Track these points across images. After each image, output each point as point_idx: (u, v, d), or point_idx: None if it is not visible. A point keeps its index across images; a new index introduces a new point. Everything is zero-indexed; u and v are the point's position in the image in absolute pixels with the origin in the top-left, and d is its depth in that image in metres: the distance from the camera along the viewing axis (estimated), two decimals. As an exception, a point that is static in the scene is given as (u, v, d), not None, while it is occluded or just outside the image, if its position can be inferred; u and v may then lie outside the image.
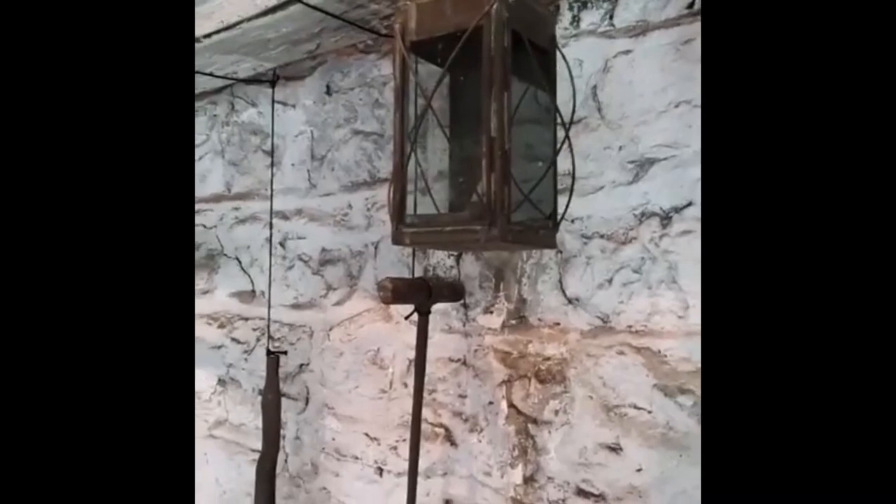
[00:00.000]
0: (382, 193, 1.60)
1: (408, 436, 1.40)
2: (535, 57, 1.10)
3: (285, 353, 1.77)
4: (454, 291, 1.45)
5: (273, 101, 1.85)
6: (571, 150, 1.15)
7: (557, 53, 1.15)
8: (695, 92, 1.13)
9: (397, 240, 1.14)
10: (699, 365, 1.12)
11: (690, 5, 1.13)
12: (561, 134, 1.16)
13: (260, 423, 1.75)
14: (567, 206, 1.15)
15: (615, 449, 1.21)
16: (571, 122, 1.16)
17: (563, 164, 1.24)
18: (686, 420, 1.13)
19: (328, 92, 1.75)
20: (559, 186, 1.25)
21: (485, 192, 1.05)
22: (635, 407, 1.19)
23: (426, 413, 1.47)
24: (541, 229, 1.20)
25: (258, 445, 1.71)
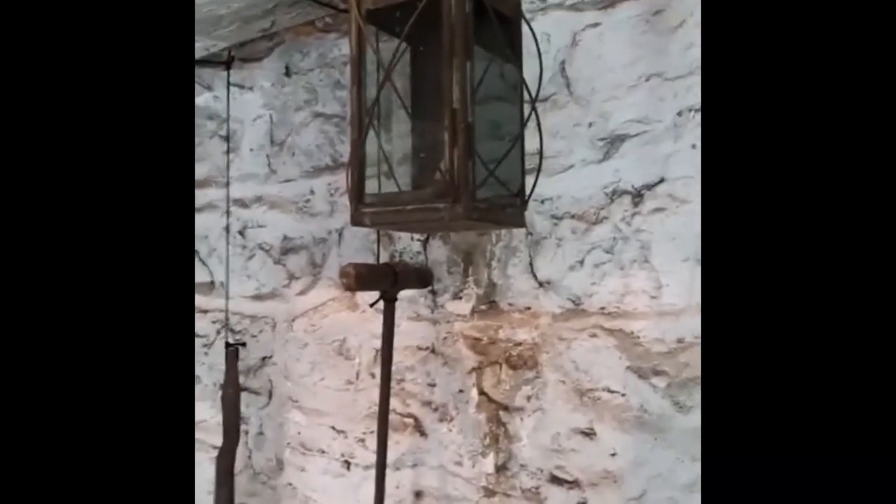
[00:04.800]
0: (345, 178, 1.54)
1: (375, 427, 1.35)
2: (499, 26, 1.05)
3: (244, 344, 1.71)
4: (421, 277, 1.40)
5: (228, 84, 1.78)
6: (539, 127, 1.11)
7: (524, 26, 1.10)
8: (666, 65, 1.10)
9: (357, 220, 1.08)
10: (673, 346, 1.09)
11: (660, -25, 1.10)
12: (528, 110, 1.12)
13: (221, 419, 1.68)
14: (535, 183, 1.11)
15: (589, 434, 1.18)
16: (538, 98, 1.11)
17: (532, 143, 1.20)
18: (660, 402, 1.10)
19: (287, 73, 1.68)
20: (529, 166, 1.21)
21: (448, 168, 1.00)
22: (608, 390, 1.16)
23: (395, 403, 1.42)
24: (508, 207, 1.16)
25: (219, 442, 1.64)
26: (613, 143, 1.16)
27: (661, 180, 1.11)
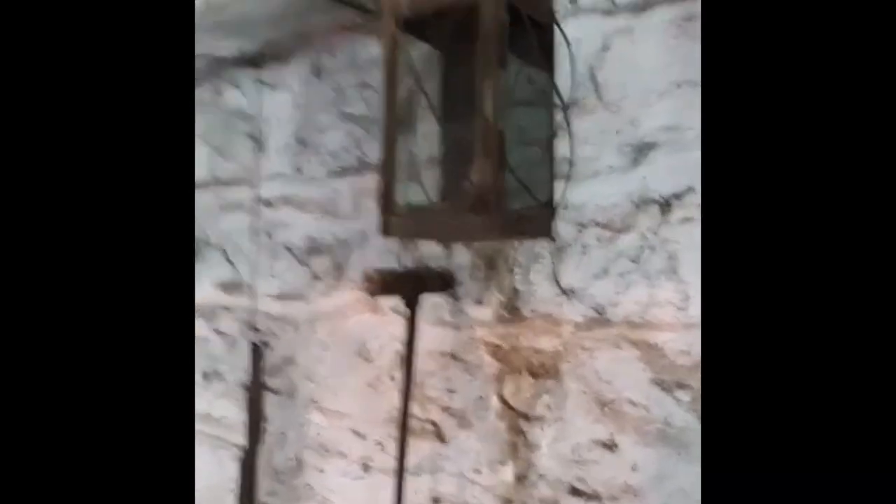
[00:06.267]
0: (371, 180, 1.54)
1: (395, 432, 1.34)
2: (533, 33, 1.04)
3: (268, 344, 1.71)
4: (444, 282, 1.39)
5: (258, 83, 1.79)
6: (570, 134, 1.09)
7: (556, 30, 1.09)
8: (698, 71, 1.07)
9: (386, 231, 1.08)
10: (698, 359, 1.07)
11: (694, -21, 1.08)
12: (558, 116, 1.10)
13: (243, 418, 1.69)
14: (564, 193, 1.09)
15: (610, 446, 1.16)
16: (570, 104, 1.10)
17: (560, 148, 1.19)
18: (684, 416, 1.08)
19: (316, 73, 1.69)
20: (555, 171, 1.19)
21: (478, 179, 0.99)
22: (631, 402, 1.13)
23: (414, 408, 1.41)
24: (536, 218, 1.15)
25: (241, 440, 1.65)
26: (642, 150, 1.14)
27: (690, 189, 1.09)
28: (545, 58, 1.13)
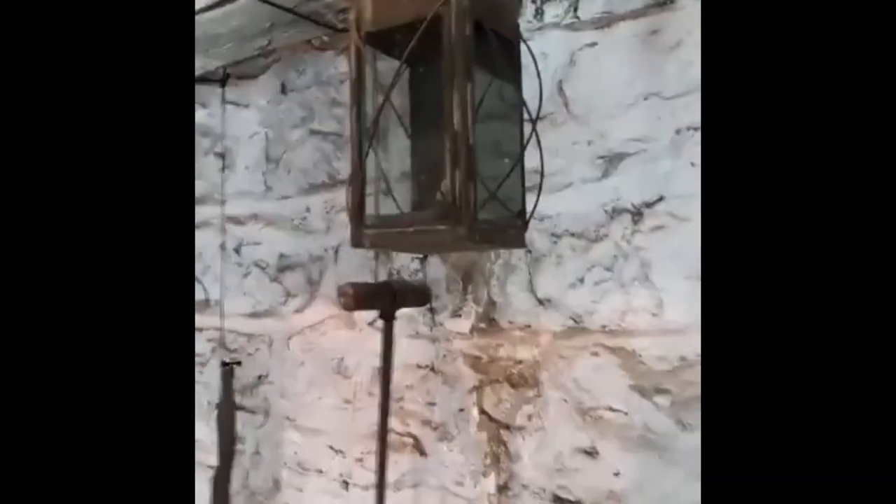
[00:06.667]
0: (342, 196, 1.53)
1: (374, 447, 1.34)
2: (498, 47, 1.05)
3: (239, 363, 1.69)
4: (420, 295, 1.39)
5: (223, 101, 1.77)
6: (540, 146, 1.11)
7: (522, 45, 1.10)
8: (663, 84, 1.10)
9: (357, 242, 1.08)
10: (675, 364, 1.09)
11: (657, -5, 1.10)
12: (528, 129, 1.12)
13: (217, 439, 1.67)
14: (536, 203, 1.10)
15: (592, 453, 1.17)
16: (538, 117, 1.11)
17: (531, 160, 1.20)
18: (664, 421, 1.10)
19: (283, 91, 1.68)
20: (527, 183, 1.21)
21: (449, 189, 1.00)
22: (611, 409, 1.15)
23: (394, 423, 1.41)
24: (509, 228, 1.16)
25: (215, 461, 1.63)
26: (612, 161, 1.16)
27: (661, 198, 1.11)
28: (512, 72, 1.15)
